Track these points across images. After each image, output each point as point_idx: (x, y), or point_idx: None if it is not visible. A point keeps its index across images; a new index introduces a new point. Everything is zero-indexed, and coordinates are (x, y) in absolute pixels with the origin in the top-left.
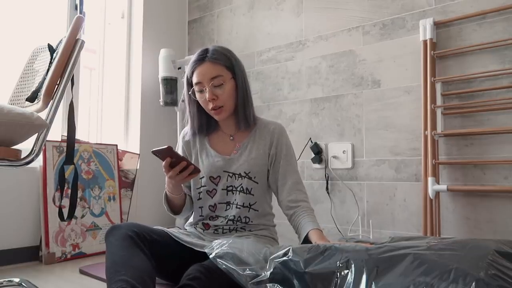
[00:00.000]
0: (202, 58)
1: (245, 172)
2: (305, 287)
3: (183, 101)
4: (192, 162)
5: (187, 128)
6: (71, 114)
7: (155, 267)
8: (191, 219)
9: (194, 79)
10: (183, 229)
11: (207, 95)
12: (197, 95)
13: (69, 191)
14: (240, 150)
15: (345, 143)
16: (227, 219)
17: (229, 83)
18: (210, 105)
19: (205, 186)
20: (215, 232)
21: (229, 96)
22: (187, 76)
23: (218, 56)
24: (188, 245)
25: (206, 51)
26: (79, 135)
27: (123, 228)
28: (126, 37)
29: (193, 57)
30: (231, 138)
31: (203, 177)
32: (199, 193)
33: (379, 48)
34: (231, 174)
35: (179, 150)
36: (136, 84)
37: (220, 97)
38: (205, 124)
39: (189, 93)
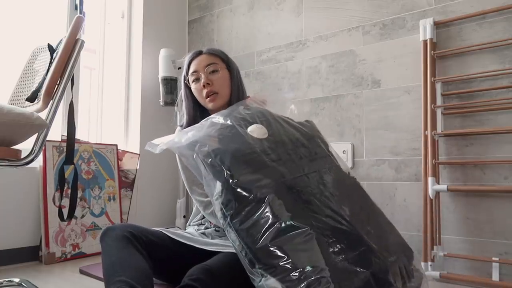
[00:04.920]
0: (198, 52)
1: None
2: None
3: (177, 105)
4: None
5: (183, 124)
6: (71, 114)
7: (152, 268)
8: (196, 217)
9: (190, 70)
10: (183, 230)
11: (202, 81)
12: (193, 86)
13: (69, 191)
14: None
15: (345, 143)
16: None
17: (224, 71)
18: (205, 92)
19: None
20: (216, 230)
21: (224, 82)
22: (183, 75)
23: (213, 50)
24: (189, 243)
25: (200, 50)
26: (79, 135)
27: (118, 229)
28: (126, 37)
29: (187, 55)
30: None
31: None
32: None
33: (379, 48)
34: None
35: None
36: (136, 84)
37: (214, 82)
38: (199, 117)
39: (185, 81)
